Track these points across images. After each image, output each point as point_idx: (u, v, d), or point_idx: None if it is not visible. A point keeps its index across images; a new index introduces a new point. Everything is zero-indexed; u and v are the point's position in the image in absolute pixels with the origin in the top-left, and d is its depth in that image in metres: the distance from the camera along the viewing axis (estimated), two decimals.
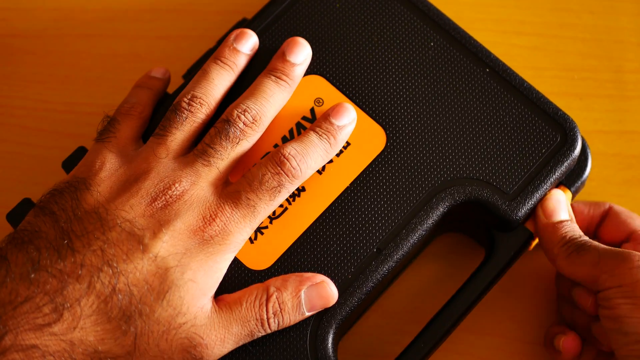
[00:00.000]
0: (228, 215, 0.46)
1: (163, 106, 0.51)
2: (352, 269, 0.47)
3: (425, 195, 0.49)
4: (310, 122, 0.50)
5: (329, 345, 0.46)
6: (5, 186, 0.58)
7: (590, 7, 0.61)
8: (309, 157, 0.47)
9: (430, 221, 0.48)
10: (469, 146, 0.50)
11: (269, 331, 0.46)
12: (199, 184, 0.46)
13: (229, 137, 0.47)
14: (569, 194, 0.51)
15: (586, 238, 0.49)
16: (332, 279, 0.47)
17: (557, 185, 0.51)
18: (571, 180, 0.51)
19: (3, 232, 0.57)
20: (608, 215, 0.52)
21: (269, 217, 0.48)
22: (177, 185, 0.45)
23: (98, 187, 0.46)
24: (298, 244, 0.48)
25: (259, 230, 0.48)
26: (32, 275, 0.41)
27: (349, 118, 0.49)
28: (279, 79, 0.50)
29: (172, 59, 0.58)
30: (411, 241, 0.48)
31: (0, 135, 0.59)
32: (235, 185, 0.47)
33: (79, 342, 0.42)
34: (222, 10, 0.60)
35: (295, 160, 0.47)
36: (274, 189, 0.46)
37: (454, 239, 0.55)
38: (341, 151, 0.50)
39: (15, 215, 0.49)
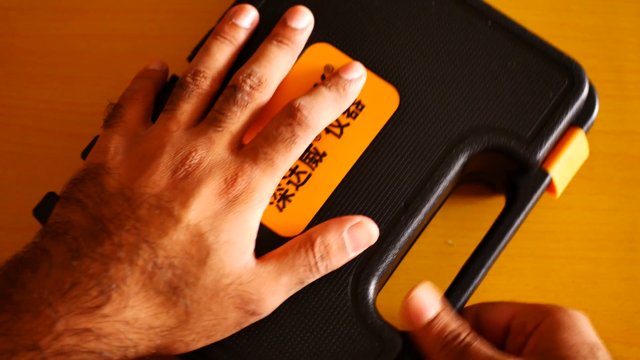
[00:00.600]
0: (248, 172, 0.46)
1: (170, 89, 0.52)
2: (383, 226, 0.48)
3: (445, 148, 0.50)
4: None
5: (370, 301, 0.47)
6: (5, 186, 0.58)
7: (590, 7, 0.61)
8: (319, 107, 0.48)
9: (452, 172, 0.50)
10: (482, 97, 0.51)
11: (317, 276, 0.46)
12: (214, 150, 0.47)
13: (237, 101, 0.48)
14: (581, 134, 0.52)
15: (467, 338, 0.45)
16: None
17: (569, 126, 0.52)
18: (581, 120, 0.53)
19: (3, 232, 0.57)
20: (478, 314, 0.49)
21: (295, 184, 0.49)
22: (193, 154, 0.46)
23: (118, 170, 0.46)
24: (326, 208, 0.49)
25: (286, 198, 0.49)
26: (75, 263, 0.42)
27: (358, 73, 0.50)
28: (281, 42, 0.51)
29: (172, 59, 0.58)
30: (436, 193, 0.49)
31: (0, 135, 0.59)
32: (252, 143, 0.47)
33: (132, 321, 0.42)
34: (222, 11, 0.60)
35: (307, 109, 0.48)
36: (288, 140, 0.47)
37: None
38: (356, 114, 0.51)
39: (42, 210, 0.50)
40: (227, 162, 0.46)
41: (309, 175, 0.49)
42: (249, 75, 0.49)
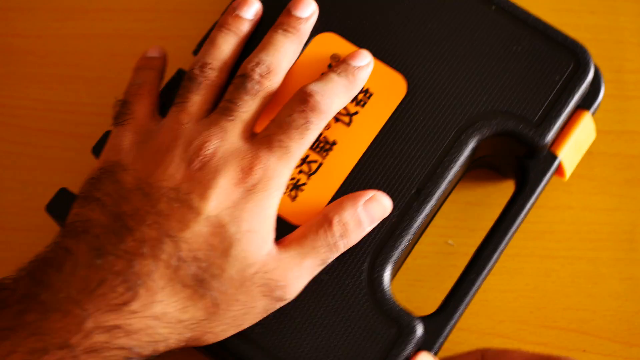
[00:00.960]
0: (264, 161, 0.46)
1: (177, 83, 0.52)
2: (396, 212, 0.49)
3: (454, 133, 0.50)
4: None
5: (386, 287, 0.48)
6: (5, 186, 0.58)
7: (590, 7, 0.61)
8: (331, 92, 0.48)
9: (462, 157, 0.50)
10: (489, 81, 0.51)
11: (337, 254, 0.47)
12: (228, 139, 0.47)
13: (248, 90, 0.48)
14: (588, 116, 0.52)
15: None
16: (378, 224, 0.48)
17: (576, 108, 0.52)
18: (588, 102, 0.53)
19: (3, 232, 0.57)
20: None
21: (306, 173, 0.49)
22: (207, 144, 0.46)
23: (134, 166, 0.46)
24: (338, 196, 0.49)
25: (298, 187, 0.49)
26: (99, 261, 0.42)
27: (366, 60, 0.51)
28: (286, 31, 0.51)
29: (172, 59, 0.58)
30: (447, 178, 0.50)
31: (1, 135, 0.59)
32: (265, 131, 0.48)
33: (161, 316, 0.42)
34: (222, 11, 0.60)
35: (319, 95, 0.48)
36: (302, 127, 0.47)
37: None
38: (365, 102, 0.51)
39: (55, 206, 0.50)
40: (242, 151, 0.46)
41: (320, 164, 0.50)
42: (258, 64, 0.49)
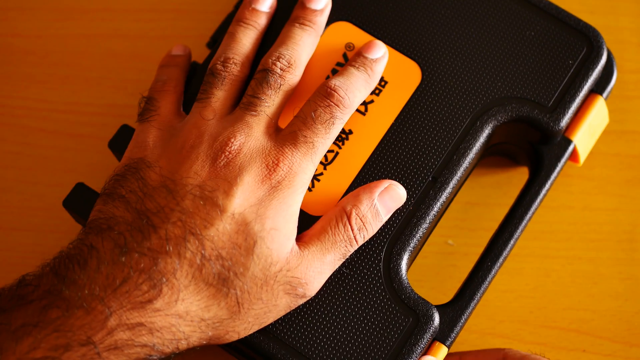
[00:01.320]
0: (290, 157, 0.46)
1: (195, 77, 0.52)
2: (412, 200, 0.49)
3: (469, 120, 0.51)
4: None
5: (403, 276, 0.48)
6: (5, 186, 0.58)
7: (590, 7, 0.61)
8: (353, 87, 0.49)
9: (477, 144, 0.50)
10: (503, 67, 0.52)
11: (357, 247, 0.47)
12: (253, 135, 0.47)
13: (270, 84, 0.48)
14: (601, 100, 0.53)
15: None
16: (394, 213, 0.49)
17: (589, 93, 0.52)
18: (601, 86, 0.53)
19: (3, 232, 0.57)
20: None
21: (322, 163, 0.50)
22: (232, 140, 0.46)
23: (158, 163, 0.46)
24: (355, 185, 0.49)
25: (315, 178, 0.49)
26: (123, 259, 0.42)
27: (381, 52, 0.51)
28: (303, 24, 0.51)
29: None
30: (463, 165, 0.50)
31: (1, 135, 0.59)
32: (290, 127, 0.48)
33: (184, 314, 0.43)
34: (222, 11, 0.60)
35: (342, 90, 0.48)
36: (327, 122, 0.47)
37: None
38: (380, 90, 0.51)
39: (72, 201, 0.50)
40: (267, 147, 0.46)
41: (336, 154, 0.50)
42: (278, 58, 0.49)
